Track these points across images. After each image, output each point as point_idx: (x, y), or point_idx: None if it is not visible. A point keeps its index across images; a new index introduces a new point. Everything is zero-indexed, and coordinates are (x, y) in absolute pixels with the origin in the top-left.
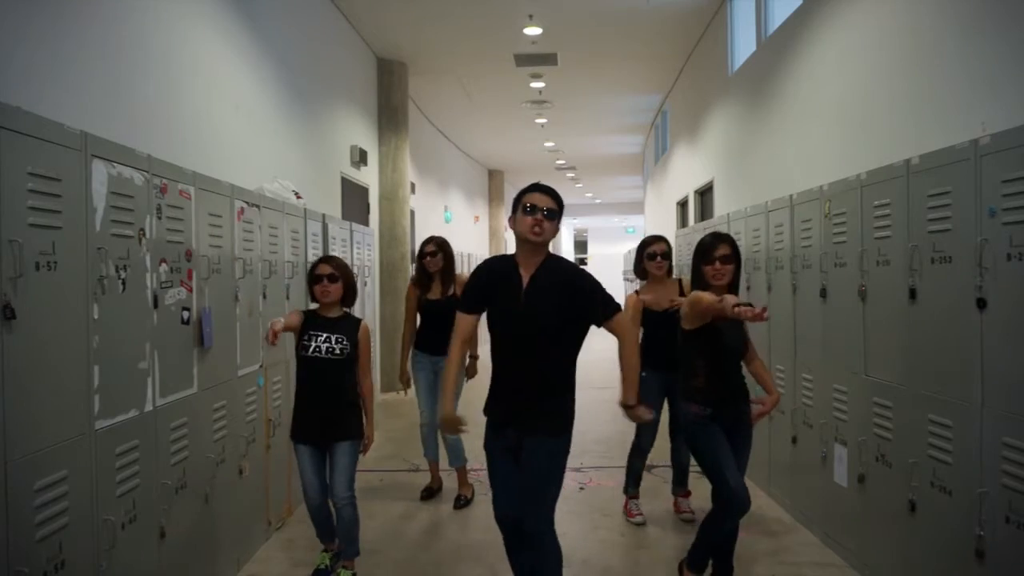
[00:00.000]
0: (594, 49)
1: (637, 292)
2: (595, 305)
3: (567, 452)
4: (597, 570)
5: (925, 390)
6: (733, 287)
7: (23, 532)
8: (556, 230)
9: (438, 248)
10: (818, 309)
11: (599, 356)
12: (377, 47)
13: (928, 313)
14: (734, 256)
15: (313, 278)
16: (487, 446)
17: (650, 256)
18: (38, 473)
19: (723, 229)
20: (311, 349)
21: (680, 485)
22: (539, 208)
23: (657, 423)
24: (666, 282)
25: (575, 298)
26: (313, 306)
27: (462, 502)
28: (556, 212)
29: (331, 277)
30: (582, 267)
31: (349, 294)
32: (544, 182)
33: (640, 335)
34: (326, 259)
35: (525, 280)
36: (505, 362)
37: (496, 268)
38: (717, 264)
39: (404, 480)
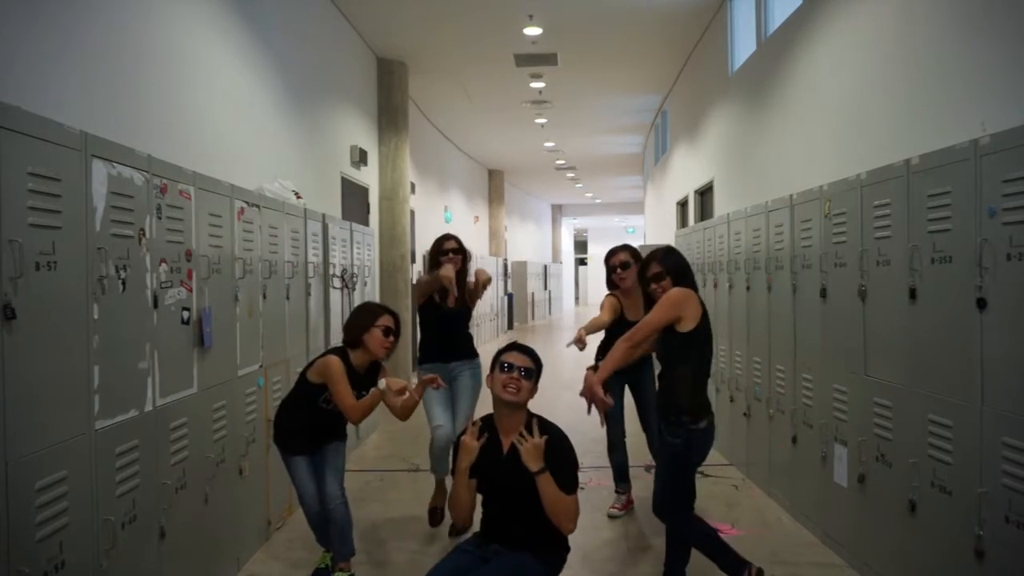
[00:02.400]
0: (594, 49)
1: (615, 295)
2: (560, 474)
3: None
4: (597, 570)
5: (925, 390)
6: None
7: (23, 532)
8: (533, 390)
9: (460, 247)
10: (818, 309)
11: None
12: (377, 47)
13: (928, 313)
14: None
15: (385, 330)
16: (460, 545)
17: (611, 268)
18: (38, 473)
19: (723, 229)
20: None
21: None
22: (516, 367)
23: (621, 415)
24: (639, 291)
25: (553, 467)
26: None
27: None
28: (533, 372)
29: (396, 333)
30: (558, 432)
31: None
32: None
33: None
34: (391, 312)
35: (505, 446)
36: (494, 510)
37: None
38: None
39: (404, 480)
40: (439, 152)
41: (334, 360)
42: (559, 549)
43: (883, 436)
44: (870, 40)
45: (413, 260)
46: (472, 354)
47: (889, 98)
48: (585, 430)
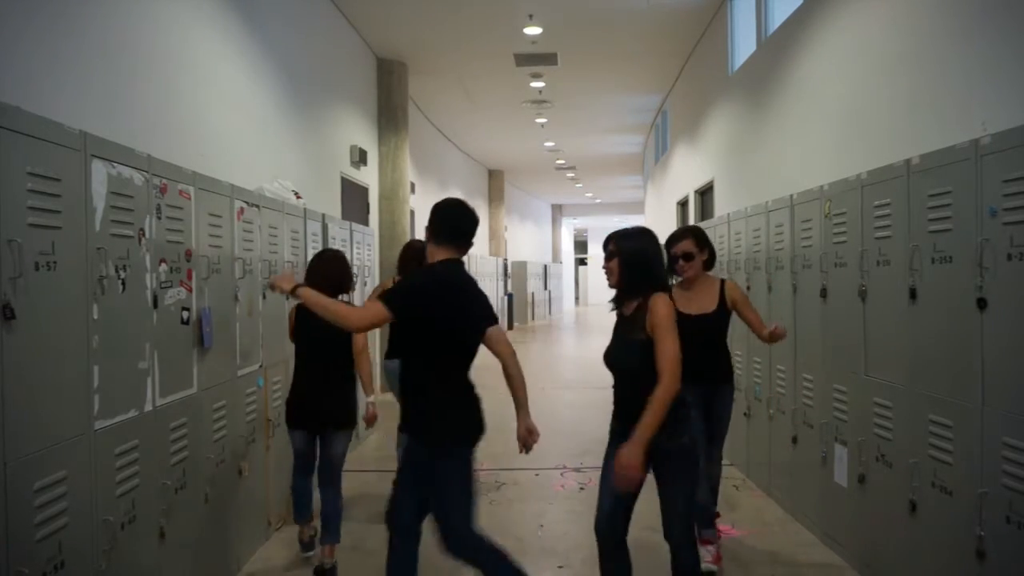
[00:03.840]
0: (594, 49)
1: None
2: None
3: (465, 464)
4: (597, 570)
5: (925, 390)
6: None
7: (23, 532)
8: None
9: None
10: (818, 309)
11: (597, 355)
12: (377, 47)
13: (928, 313)
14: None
15: None
16: (401, 461)
17: (673, 258)
18: (38, 473)
19: (723, 229)
20: None
21: (705, 526)
22: None
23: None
24: (704, 281)
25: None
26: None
27: None
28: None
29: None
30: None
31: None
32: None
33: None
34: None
35: None
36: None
37: None
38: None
39: None
40: (439, 152)
41: None
42: (441, 419)
43: (883, 436)
44: (870, 40)
45: None
46: None
47: (889, 98)
48: (585, 429)
